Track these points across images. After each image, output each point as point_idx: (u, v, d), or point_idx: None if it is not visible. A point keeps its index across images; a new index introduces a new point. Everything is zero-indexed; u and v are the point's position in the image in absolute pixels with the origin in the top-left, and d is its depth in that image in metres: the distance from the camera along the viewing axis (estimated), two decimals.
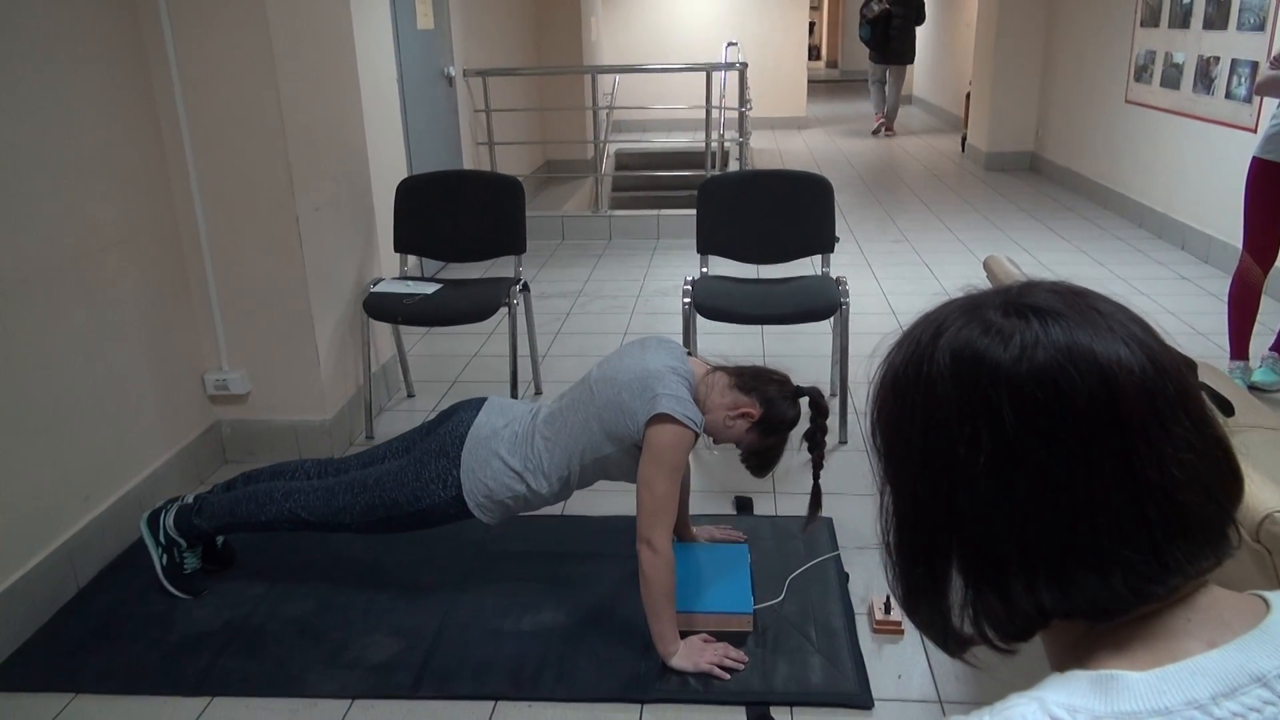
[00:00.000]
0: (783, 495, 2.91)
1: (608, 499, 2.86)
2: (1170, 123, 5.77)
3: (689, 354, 2.26)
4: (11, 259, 2.26)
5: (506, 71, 6.31)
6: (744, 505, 2.84)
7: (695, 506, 2.83)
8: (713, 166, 6.46)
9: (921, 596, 0.70)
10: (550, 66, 7.72)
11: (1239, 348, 3.54)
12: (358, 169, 3.43)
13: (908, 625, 2.26)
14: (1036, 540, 0.62)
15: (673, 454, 2.04)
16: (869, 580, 2.45)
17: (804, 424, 2.25)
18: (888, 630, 2.24)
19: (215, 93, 2.83)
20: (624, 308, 4.78)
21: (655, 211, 6.28)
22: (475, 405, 2.31)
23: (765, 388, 2.17)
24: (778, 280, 3.44)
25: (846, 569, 2.50)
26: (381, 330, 3.57)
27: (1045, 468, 0.61)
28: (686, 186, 7.87)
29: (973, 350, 0.64)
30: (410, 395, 3.74)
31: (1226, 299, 3.57)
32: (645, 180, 8.54)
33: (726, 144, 7.22)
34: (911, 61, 10.98)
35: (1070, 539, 0.61)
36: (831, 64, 21.54)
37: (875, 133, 11.00)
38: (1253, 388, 3.53)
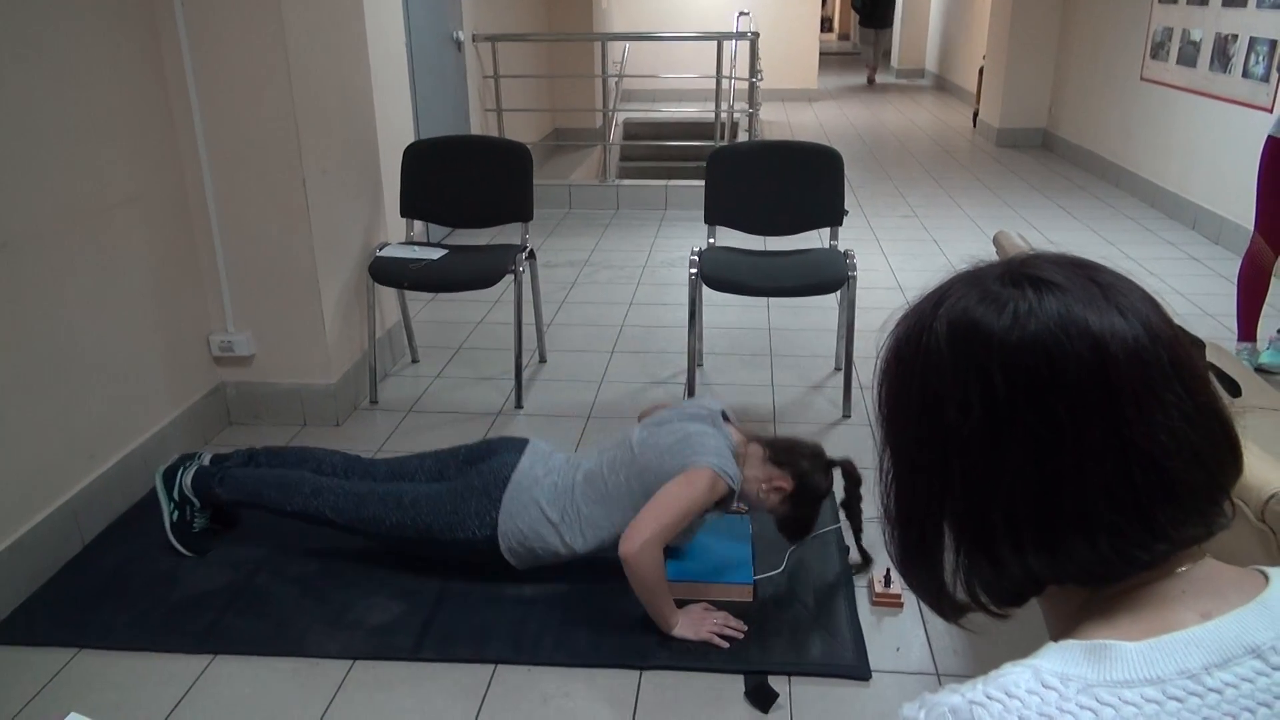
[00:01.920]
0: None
1: None
2: (1186, 101, 5.71)
3: (726, 419, 2.28)
4: (21, 217, 2.26)
5: (516, 37, 6.26)
6: None
7: None
8: (722, 137, 6.42)
9: (916, 560, 0.71)
10: (560, 33, 7.65)
11: (1247, 329, 3.52)
12: (365, 133, 3.41)
13: (907, 598, 2.27)
14: (1025, 504, 0.63)
15: (699, 490, 2.05)
16: (870, 553, 2.46)
17: (839, 492, 2.32)
18: (887, 603, 2.25)
19: (224, 54, 2.81)
20: (630, 278, 4.77)
21: (663, 182, 6.25)
22: (519, 447, 2.32)
23: (798, 462, 2.20)
24: (785, 252, 3.43)
25: (847, 543, 2.50)
26: (387, 296, 3.57)
27: (1034, 433, 0.61)
28: (695, 157, 7.84)
29: (969, 318, 0.64)
30: (415, 361, 3.74)
31: (1236, 280, 3.55)
32: (653, 150, 8.49)
33: (736, 115, 7.16)
34: (891, 26, 13.85)
35: (1057, 503, 0.62)
36: (844, 36, 21.33)
37: (869, 83, 13.50)
38: (1260, 369, 3.52)
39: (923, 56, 14.30)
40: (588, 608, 2.23)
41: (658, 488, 2.10)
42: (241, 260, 3.03)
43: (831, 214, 3.41)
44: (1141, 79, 6.33)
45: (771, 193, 3.44)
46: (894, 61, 14.86)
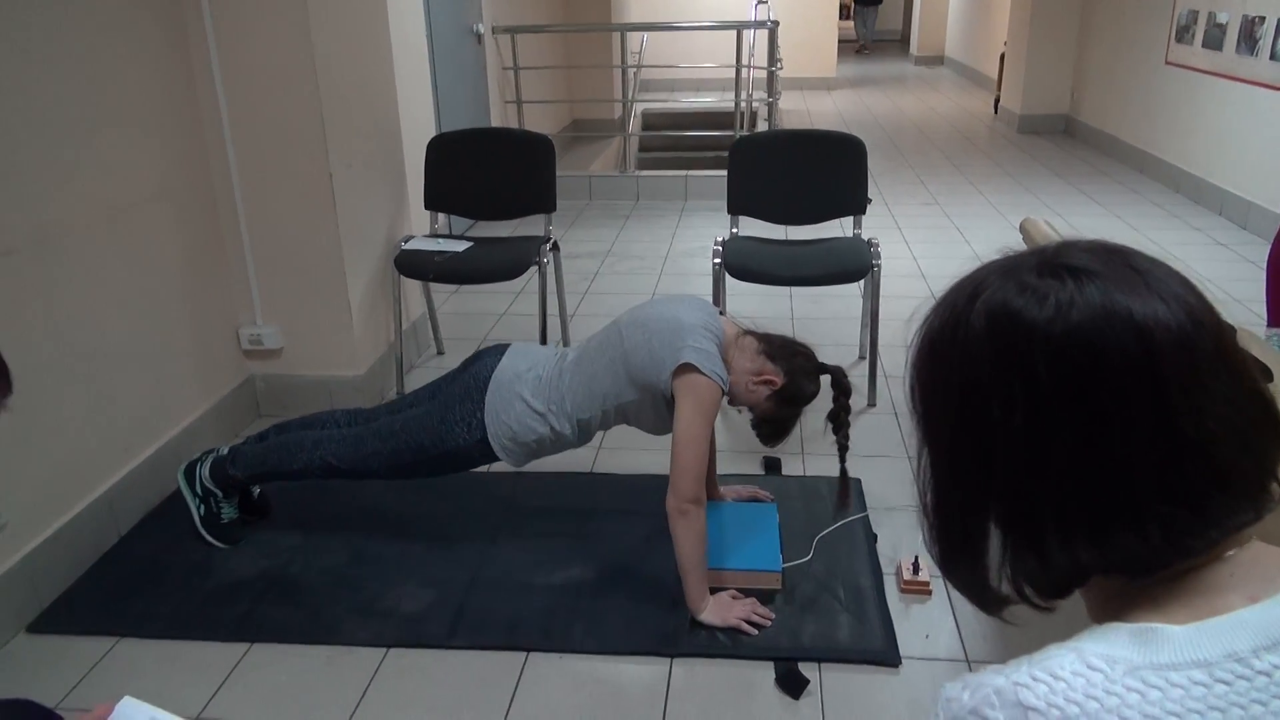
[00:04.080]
0: (811, 456, 2.92)
1: (636, 456, 2.88)
2: (1212, 85, 5.65)
3: (721, 314, 2.27)
4: (53, 212, 2.29)
5: (535, 28, 6.26)
6: (772, 465, 2.85)
7: (723, 466, 2.84)
8: (741, 127, 6.40)
9: (959, 557, 0.71)
10: (578, 24, 7.64)
11: (1278, 314, 3.48)
12: (389, 126, 3.43)
13: (935, 585, 2.27)
14: (1073, 498, 0.62)
15: (708, 406, 2.06)
16: (897, 541, 2.47)
17: (828, 403, 2.26)
18: (915, 590, 2.25)
19: (250, 50, 2.84)
20: (652, 269, 4.77)
21: (683, 172, 6.25)
22: (499, 351, 2.33)
23: (792, 359, 2.19)
24: (808, 241, 3.42)
25: (875, 530, 2.51)
26: (412, 288, 3.59)
27: (1081, 425, 0.61)
28: (715, 147, 7.82)
29: (1008, 310, 0.64)
30: (440, 352, 3.76)
31: (1266, 264, 3.51)
32: (673, 140, 8.47)
33: (755, 104, 7.14)
34: (880, 2, 16.12)
35: (1107, 495, 0.61)
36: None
37: (858, 51, 16.13)
38: None
39: (942, 43, 14.19)
40: (618, 595, 2.25)
41: (644, 371, 2.10)
42: (269, 254, 3.06)
43: (854, 203, 3.41)
44: (1166, 63, 6.26)
45: (794, 182, 3.44)
46: (913, 49, 14.76)
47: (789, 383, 2.17)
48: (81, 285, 2.40)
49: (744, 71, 6.36)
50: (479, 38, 5.76)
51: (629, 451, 2.93)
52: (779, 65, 6.57)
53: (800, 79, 11.61)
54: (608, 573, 2.33)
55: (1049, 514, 0.64)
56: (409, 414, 2.31)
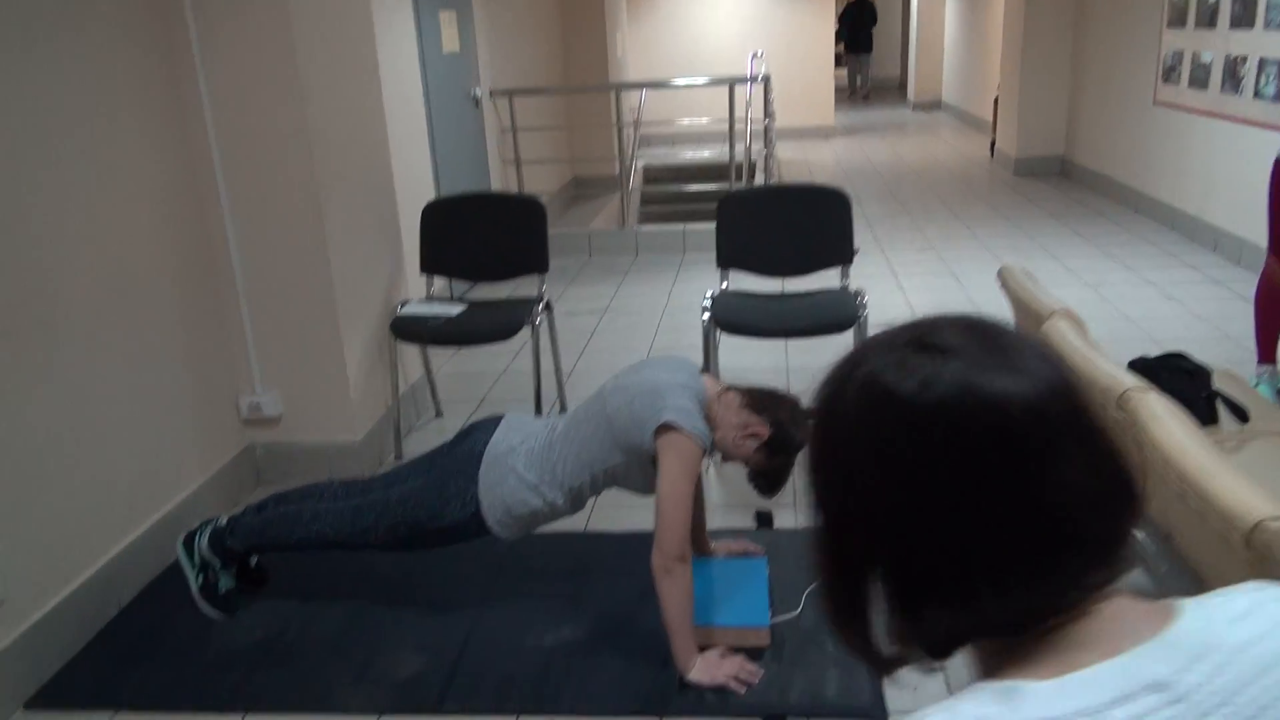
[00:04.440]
0: (805, 509, 2.93)
1: (627, 514, 2.90)
2: (1199, 124, 5.71)
3: (704, 372, 2.31)
4: (55, 284, 2.36)
5: (531, 91, 6.41)
6: (764, 519, 2.87)
7: (715, 521, 2.86)
8: (738, 179, 6.50)
9: (846, 618, 0.74)
10: (574, 85, 7.82)
11: (1267, 351, 3.50)
12: (384, 193, 3.52)
13: None
14: (940, 563, 0.66)
15: (690, 464, 2.09)
16: None
17: None
18: None
19: (245, 120, 2.93)
20: (649, 324, 4.83)
21: (681, 226, 6.33)
22: (492, 424, 2.37)
23: (776, 410, 2.21)
24: (797, 294, 3.47)
25: None
26: (409, 351, 3.66)
27: (943, 493, 0.65)
28: (714, 199, 7.92)
29: (879, 385, 0.68)
30: (439, 415, 3.81)
31: (1254, 302, 3.53)
32: (674, 194, 8.60)
33: (752, 156, 7.25)
34: (871, 50, 16.63)
35: (970, 560, 0.65)
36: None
37: (851, 96, 16.69)
38: None
39: (939, 88, 14.38)
40: (609, 655, 2.26)
41: (627, 434, 2.13)
42: (268, 322, 3.13)
43: (842, 253, 3.46)
44: (1155, 103, 6.34)
45: (782, 235, 3.50)
46: (910, 95, 14.96)
47: (776, 433, 2.20)
48: (81, 360, 2.46)
49: (739, 124, 6.47)
50: (477, 101, 5.90)
51: (621, 510, 2.95)
52: (771, 117, 6.68)
53: (799, 128, 11.78)
54: (599, 632, 2.35)
55: (921, 579, 0.67)
56: (404, 488, 2.35)
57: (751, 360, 4.18)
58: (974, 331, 0.69)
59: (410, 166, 4.83)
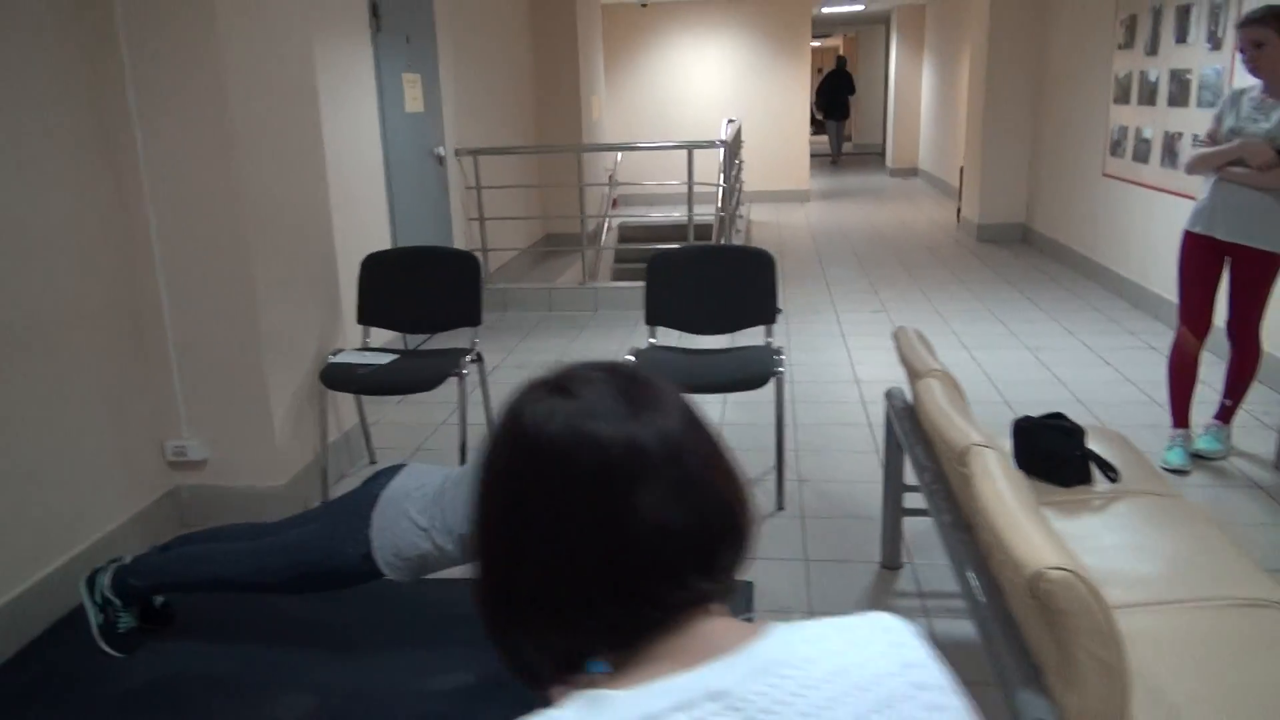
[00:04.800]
0: None
1: None
2: (1142, 195, 5.87)
3: None
4: None
5: (495, 150, 6.58)
6: None
7: None
8: (711, 239, 6.63)
9: (494, 633, 0.80)
10: (537, 146, 8.02)
11: (1180, 416, 3.58)
12: (321, 247, 3.61)
13: None
14: (550, 585, 0.73)
15: None
16: None
17: None
18: None
19: (177, 173, 3.03)
20: None
21: (638, 283, 6.43)
22: (394, 471, 2.43)
23: None
24: (718, 350, 3.56)
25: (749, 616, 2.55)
26: (345, 400, 3.72)
27: (549, 520, 0.72)
28: None
29: (513, 418, 0.75)
30: (373, 462, 3.86)
31: (1167, 370, 3.62)
32: (648, 253, 8.73)
33: (719, 217, 7.40)
34: (847, 117, 17.58)
35: (570, 582, 0.72)
36: (845, 138, 21.90)
37: (833, 161, 17.48)
38: (1197, 455, 3.56)
39: (916, 156, 14.69)
40: (504, 703, 2.29)
41: None
42: (196, 368, 3.20)
43: (765, 313, 3.55)
44: (1103, 175, 6.52)
45: (708, 294, 3.59)
46: (888, 161, 15.27)
47: None
48: (5, 396, 2.53)
49: (705, 187, 6.62)
50: (441, 160, 6.05)
51: None
52: (731, 182, 6.84)
53: (775, 192, 12.01)
54: (496, 679, 2.38)
55: (532, 598, 0.73)
56: (302, 530, 2.40)
57: None
58: (610, 378, 0.77)
59: (366, 222, 4.95)
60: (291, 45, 3.37)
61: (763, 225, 10.21)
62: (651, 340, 3.65)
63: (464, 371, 3.43)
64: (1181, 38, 5.29)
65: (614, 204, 11.57)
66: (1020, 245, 8.30)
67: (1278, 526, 3.06)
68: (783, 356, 3.35)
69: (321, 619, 2.67)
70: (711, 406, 4.34)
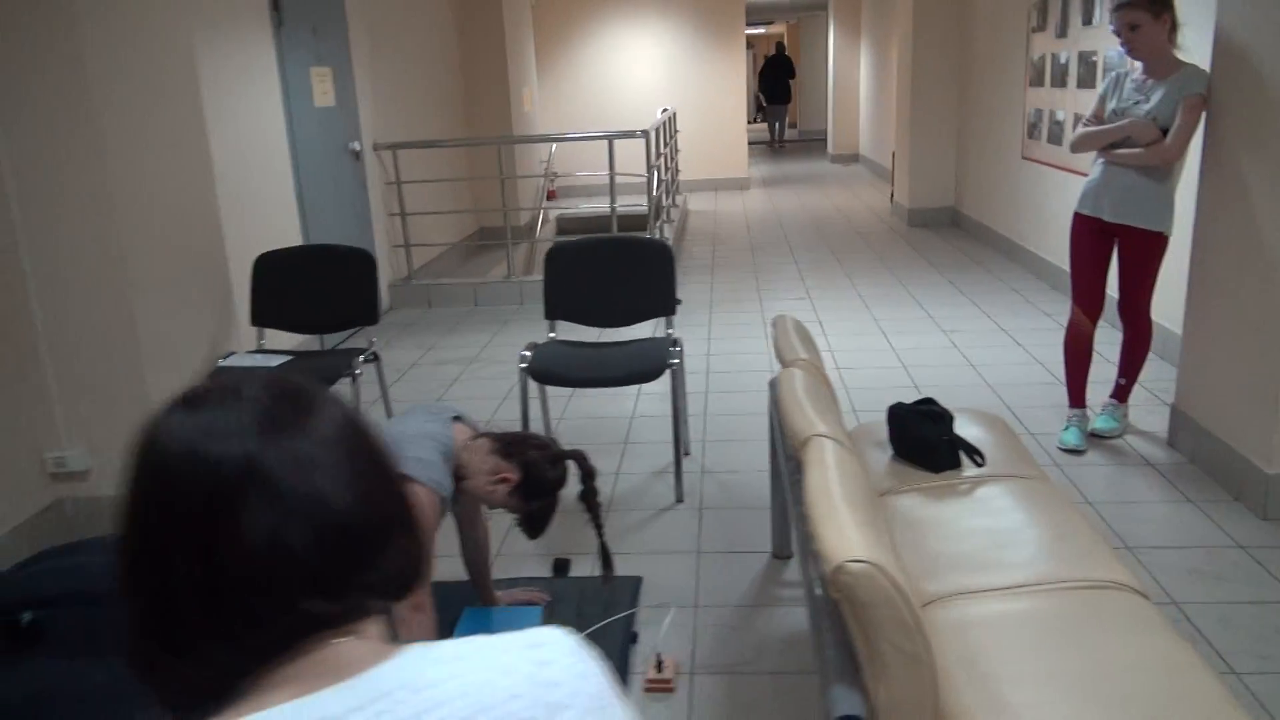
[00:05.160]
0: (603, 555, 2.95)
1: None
2: (1058, 177, 5.93)
3: (457, 419, 2.33)
4: None
5: (414, 145, 6.48)
6: (561, 566, 2.88)
7: (514, 569, 2.87)
8: (644, 229, 6.59)
9: (135, 658, 0.75)
10: (457, 139, 7.93)
11: (1076, 396, 3.62)
12: (210, 247, 3.53)
13: (680, 682, 2.30)
14: (158, 611, 0.69)
15: (423, 515, 2.10)
16: (663, 640, 2.49)
17: (577, 486, 2.32)
18: (658, 688, 2.28)
19: (44, 175, 2.94)
20: (512, 374, 4.85)
21: None
22: None
23: (525, 452, 2.24)
24: (615, 344, 3.53)
25: (639, 629, 2.53)
26: None
27: (157, 537, 0.68)
28: None
29: (142, 436, 0.71)
30: None
31: (1063, 351, 3.66)
32: None
33: (651, 207, 7.38)
34: (789, 102, 17.95)
35: (176, 611, 0.68)
36: (791, 124, 21.97)
37: (770, 145, 17.77)
38: (1094, 434, 3.60)
39: (857, 142, 14.77)
40: None
41: None
42: (73, 377, 3.10)
43: (664, 304, 3.53)
44: (1022, 157, 6.58)
45: (607, 287, 3.56)
46: (830, 148, 15.33)
47: (527, 476, 2.22)
48: None
49: (641, 178, 6.58)
50: (357, 155, 5.94)
51: None
52: (658, 171, 6.81)
53: (714, 180, 12.00)
54: None
55: (166, 619, 0.70)
56: None
57: (596, 408, 4.22)
58: (260, 392, 0.73)
59: (274, 220, 4.85)
60: (168, 41, 3.28)
61: (700, 214, 10.20)
62: (551, 335, 3.61)
63: (357, 372, 3.37)
64: (1088, 20, 5.34)
65: (551, 195, 11.51)
66: (949, 229, 8.37)
67: (1167, 504, 3.10)
68: (679, 348, 3.33)
69: None
70: (625, 399, 4.32)
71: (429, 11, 7.67)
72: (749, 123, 20.71)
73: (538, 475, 2.23)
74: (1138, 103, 3.25)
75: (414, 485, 2.10)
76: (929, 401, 2.50)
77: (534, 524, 2.31)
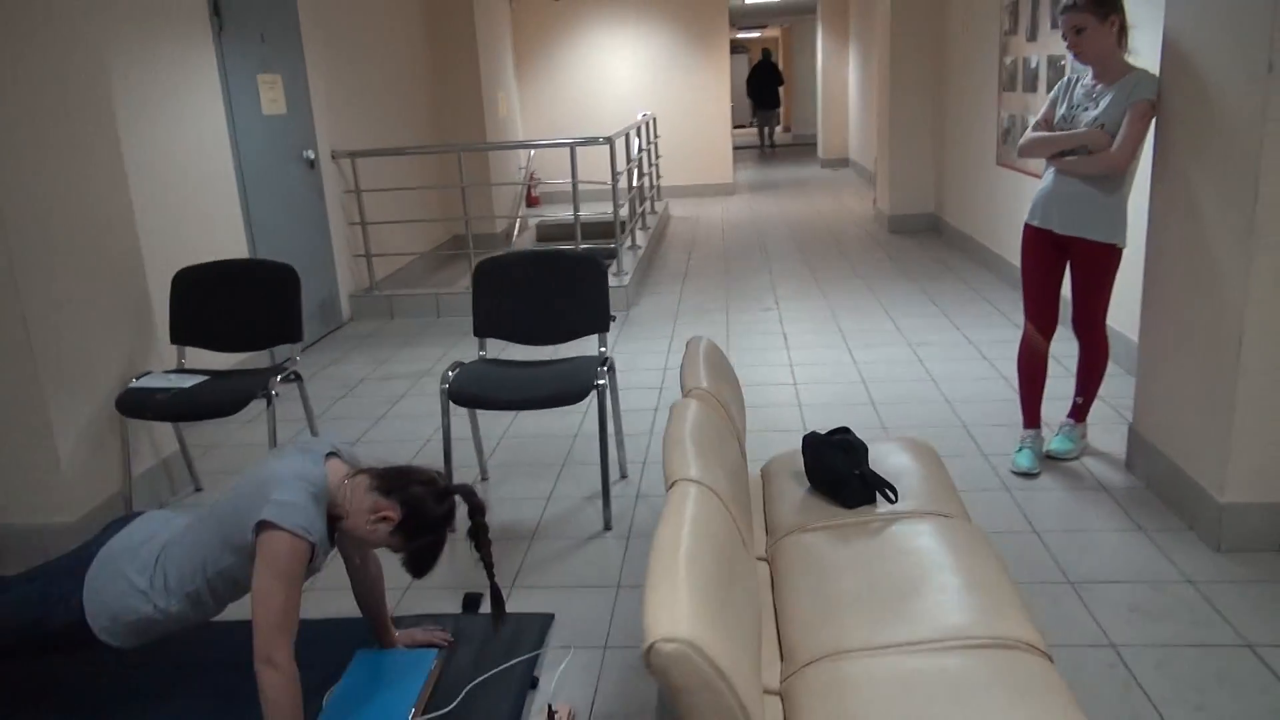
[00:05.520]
0: (521, 590, 2.80)
1: (333, 599, 2.75)
2: (1032, 184, 5.76)
3: (332, 455, 2.18)
4: None
5: (374, 153, 6.34)
6: (471, 602, 2.72)
7: (423, 603, 2.72)
8: (615, 236, 6.44)
9: None
10: (420, 146, 7.79)
11: (1031, 416, 3.46)
12: (126, 263, 3.38)
13: None
14: None
15: (283, 563, 1.95)
16: (559, 686, 2.34)
17: (467, 522, 2.16)
18: None
19: None
20: None
21: None
22: (124, 521, 2.22)
23: (408, 488, 2.09)
24: (542, 363, 3.38)
25: (541, 672, 2.38)
26: (162, 426, 3.50)
27: None
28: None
29: None
30: (199, 489, 3.64)
31: (1016, 369, 3.50)
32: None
33: (625, 213, 7.23)
34: (778, 107, 18.15)
35: None
36: (785, 128, 21.82)
37: (760, 150, 17.97)
38: (1049, 455, 3.44)
39: (846, 146, 14.62)
40: None
41: (233, 534, 2.01)
42: None
43: (598, 321, 3.37)
44: (997, 164, 6.42)
45: (538, 303, 3.41)
46: (820, 152, 15.18)
47: (409, 513, 2.07)
48: None
49: (619, 184, 6.42)
50: (311, 164, 5.80)
51: (326, 593, 2.80)
52: (626, 175, 6.66)
53: (697, 186, 11.85)
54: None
55: None
56: (23, 589, 2.19)
57: (537, 426, 4.07)
58: None
59: (215, 233, 4.71)
60: (73, 50, 3.13)
61: (681, 220, 10.06)
62: (481, 353, 3.46)
63: (274, 392, 3.23)
64: (1056, 23, 5.18)
65: (534, 202, 11.37)
66: (928, 236, 8.21)
67: (1117, 533, 2.94)
68: (607, 368, 3.18)
69: (96, 664, 2.46)
70: (572, 415, 4.16)
71: (396, 16, 7.53)
72: (744, 126, 20.70)
73: (421, 512, 2.08)
74: (1086, 109, 3.10)
75: (273, 532, 1.95)
76: (843, 431, 2.34)
77: (419, 563, 2.15)
